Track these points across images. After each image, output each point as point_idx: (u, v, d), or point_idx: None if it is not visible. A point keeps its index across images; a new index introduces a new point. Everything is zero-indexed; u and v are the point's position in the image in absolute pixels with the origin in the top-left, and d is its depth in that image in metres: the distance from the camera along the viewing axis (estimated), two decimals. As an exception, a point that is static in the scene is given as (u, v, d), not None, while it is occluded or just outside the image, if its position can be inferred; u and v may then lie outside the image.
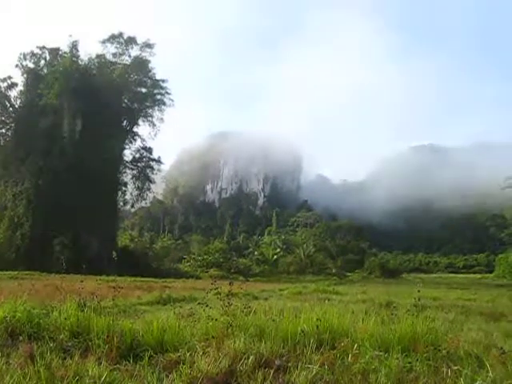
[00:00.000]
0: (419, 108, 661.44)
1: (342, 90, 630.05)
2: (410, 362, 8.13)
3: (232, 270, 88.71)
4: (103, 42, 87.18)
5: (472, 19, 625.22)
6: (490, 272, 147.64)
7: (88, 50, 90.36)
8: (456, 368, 7.60)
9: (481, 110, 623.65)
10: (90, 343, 9.17)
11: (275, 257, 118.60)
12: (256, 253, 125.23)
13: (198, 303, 12.76)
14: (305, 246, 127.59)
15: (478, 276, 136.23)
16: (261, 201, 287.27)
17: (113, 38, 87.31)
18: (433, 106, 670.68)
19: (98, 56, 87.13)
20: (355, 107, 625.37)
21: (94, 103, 77.11)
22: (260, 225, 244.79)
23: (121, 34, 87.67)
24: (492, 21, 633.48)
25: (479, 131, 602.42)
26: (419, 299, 12.40)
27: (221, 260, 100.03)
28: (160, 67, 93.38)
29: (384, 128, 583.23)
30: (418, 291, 12.67)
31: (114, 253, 54.75)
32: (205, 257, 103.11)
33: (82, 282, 15.82)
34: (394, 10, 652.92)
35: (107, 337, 9.08)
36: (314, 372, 7.50)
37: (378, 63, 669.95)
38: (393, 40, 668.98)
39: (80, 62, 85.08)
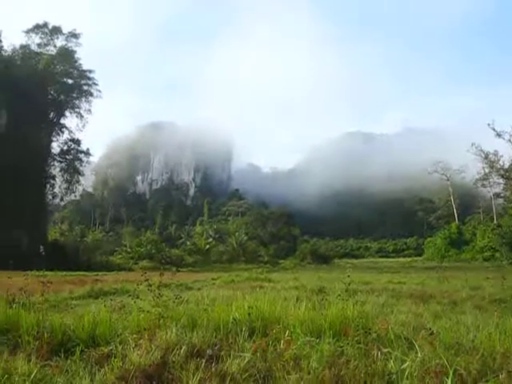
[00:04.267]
0: (351, 96, 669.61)
1: (275, 80, 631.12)
2: (341, 346, 8.19)
3: (164, 261, 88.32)
4: (27, 32, 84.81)
5: (408, 11, 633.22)
6: (420, 255, 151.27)
7: (12, 41, 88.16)
8: (386, 350, 7.71)
9: (407, 97, 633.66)
10: (19, 340, 9.05)
11: (207, 246, 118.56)
12: (188, 243, 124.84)
13: (129, 295, 12.66)
14: (237, 234, 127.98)
15: (408, 259, 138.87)
16: (192, 191, 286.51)
17: (37, 28, 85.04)
18: (363, 94, 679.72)
19: (22, 47, 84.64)
20: (287, 96, 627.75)
21: (18, 95, 74.48)
22: (191, 215, 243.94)
23: (45, 24, 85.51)
24: (426, 15, 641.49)
25: (405, 118, 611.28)
26: (349, 284, 12.60)
27: (153, 251, 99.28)
28: (91, 58, 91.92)
29: (316, 116, 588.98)
30: (348, 276, 12.83)
31: (41, 247, 53.65)
32: (137, 249, 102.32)
33: (9, 278, 15.43)
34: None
35: (37, 333, 9.00)
36: (247, 360, 7.53)
37: (310, 52, 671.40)
38: (327, 29, 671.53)
39: (3, 53, 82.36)
